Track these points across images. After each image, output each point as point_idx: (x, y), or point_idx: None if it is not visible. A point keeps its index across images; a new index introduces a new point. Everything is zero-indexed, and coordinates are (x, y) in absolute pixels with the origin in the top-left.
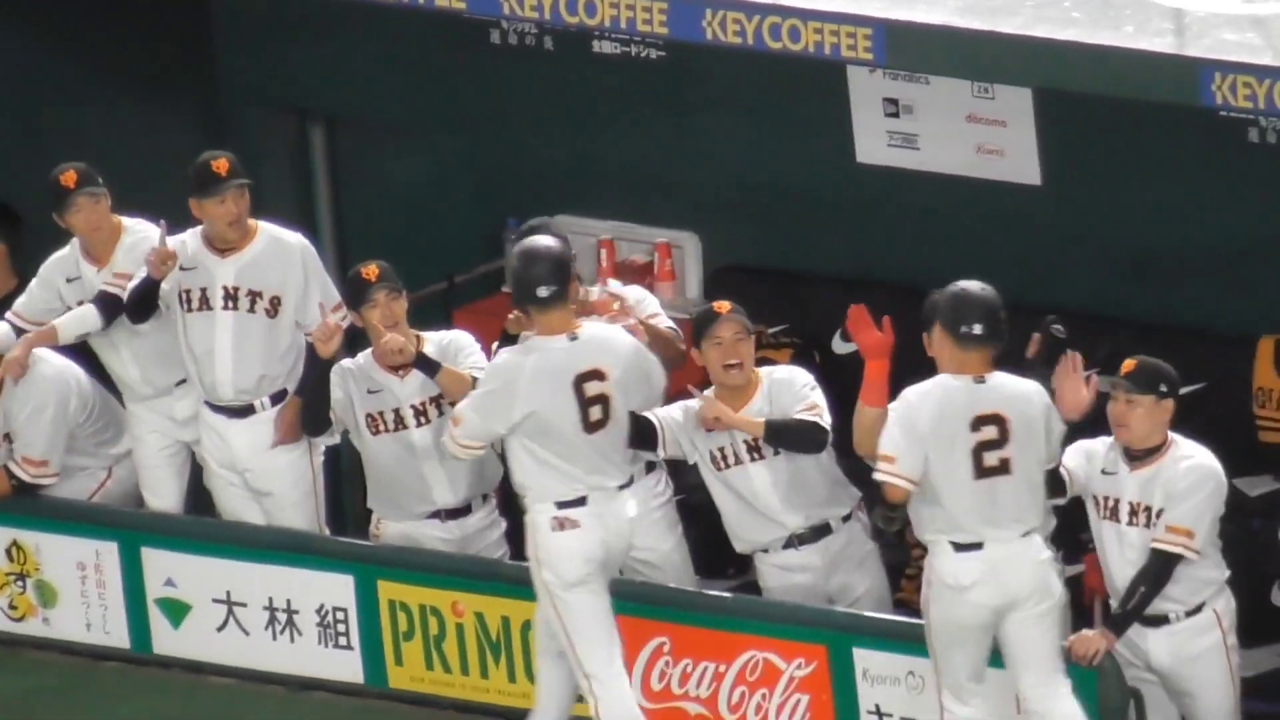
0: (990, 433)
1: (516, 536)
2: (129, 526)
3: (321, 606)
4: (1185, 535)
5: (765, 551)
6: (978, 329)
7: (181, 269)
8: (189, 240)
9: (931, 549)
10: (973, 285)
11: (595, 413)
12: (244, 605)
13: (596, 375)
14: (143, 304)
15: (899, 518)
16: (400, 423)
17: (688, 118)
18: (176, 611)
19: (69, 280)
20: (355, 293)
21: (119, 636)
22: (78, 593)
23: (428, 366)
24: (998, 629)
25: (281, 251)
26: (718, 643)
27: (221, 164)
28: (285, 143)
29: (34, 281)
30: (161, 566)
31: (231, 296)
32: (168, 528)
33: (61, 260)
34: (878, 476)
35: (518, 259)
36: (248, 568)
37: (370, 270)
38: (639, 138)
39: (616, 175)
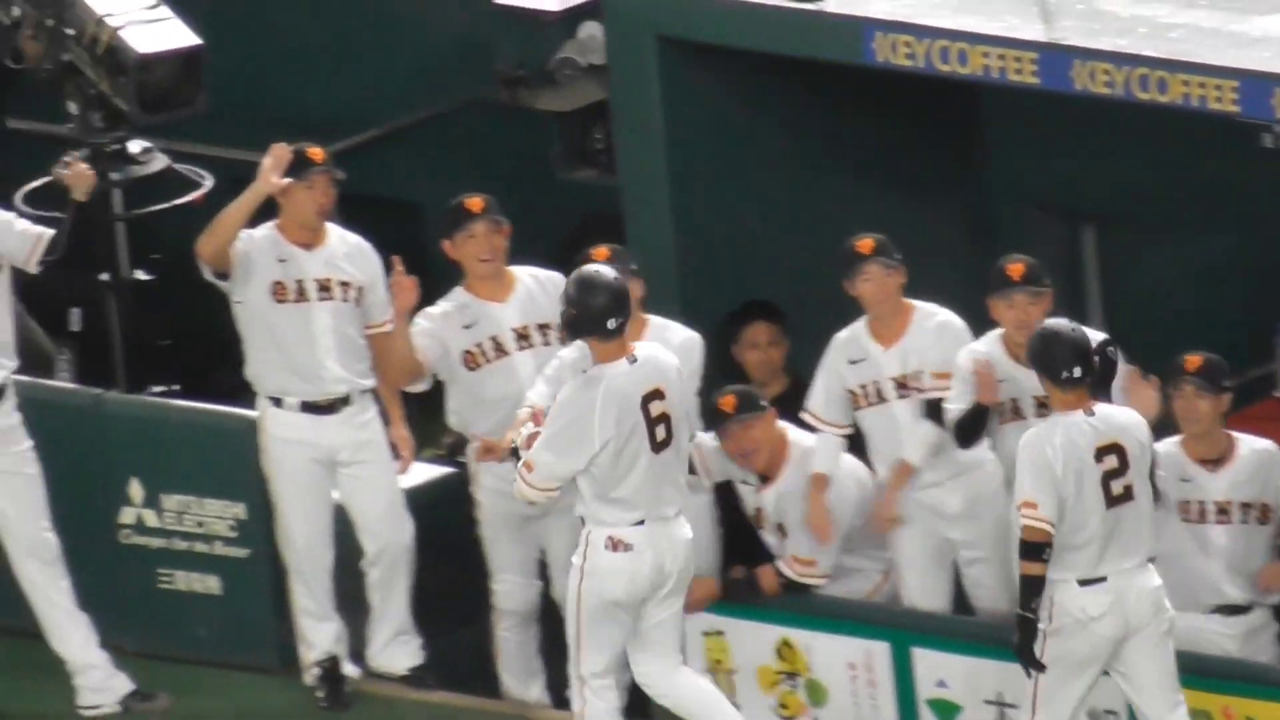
0: (1112, 462)
1: None
2: (900, 626)
3: (1093, 709)
4: None
5: None
6: (1077, 371)
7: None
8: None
9: (1053, 586)
10: (1061, 326)
11: (660, 432)
12: (1015, 706)
13: (658, 395)
14: (975, 425)
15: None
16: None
17: None
18: (947, 712)
19: (852, 363)
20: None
21: None
22: (848, 692)
23: None
24: (1114, 659)
25: None
26: None
27: (1017, 269)
28: (1055, 243)
29: (820, 376)
30: (933, 667)
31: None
32: (938, 627)
33: (846, 343)
34: (1025, 522)
35: (575, 288)
36: (1018, 669)
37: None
38: None
39: None
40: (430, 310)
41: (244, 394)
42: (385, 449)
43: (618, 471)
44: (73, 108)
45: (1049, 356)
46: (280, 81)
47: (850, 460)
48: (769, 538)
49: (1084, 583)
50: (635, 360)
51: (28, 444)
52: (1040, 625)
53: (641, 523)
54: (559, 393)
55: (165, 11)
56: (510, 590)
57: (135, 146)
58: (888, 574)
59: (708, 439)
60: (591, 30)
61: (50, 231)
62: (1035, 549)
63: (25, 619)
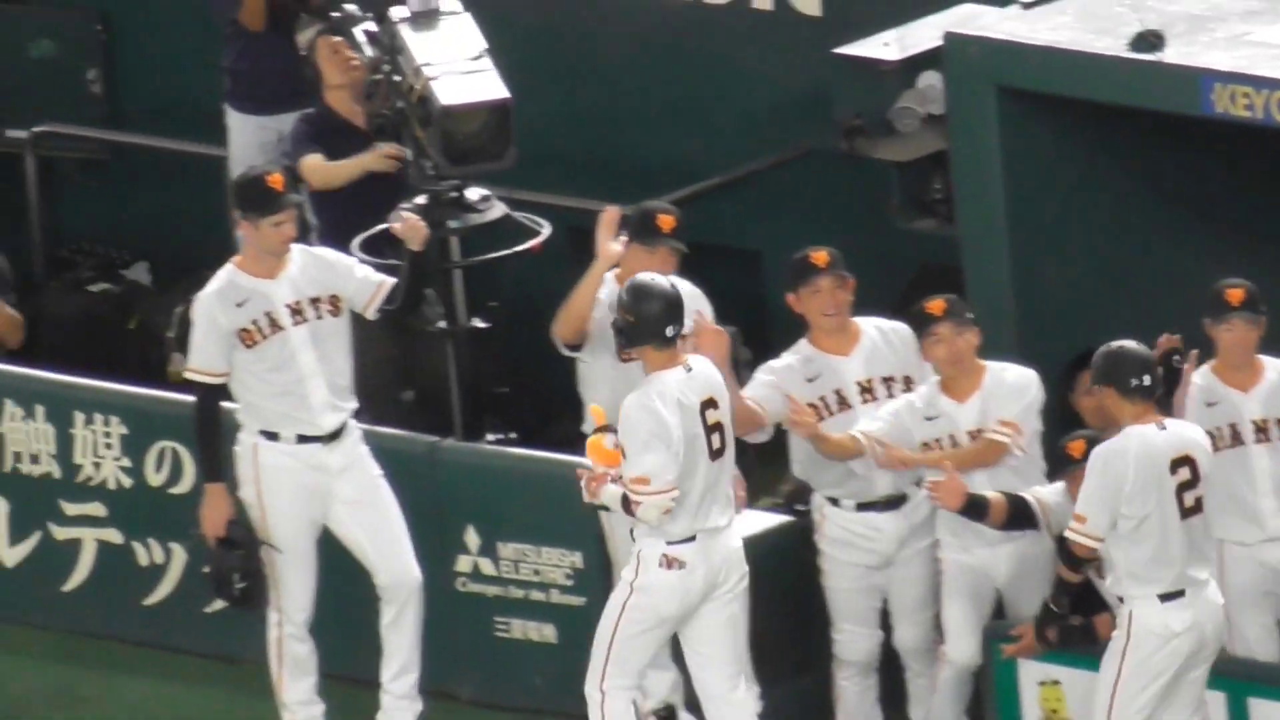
0: (1185, 474)
1: None
2: (1236, 676)
3: None
4: None
5: None
6: (1146, 380)
7: None
8: None
9: (1133, 602)
10: (1127, 343)
11: (716, 440)
12: None
13: (713, 404)
14: None
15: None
16: None
17: None
18: None
19: (1209, 405)
20: None
21: None
22: None
23: None
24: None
25: None
26: None
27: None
28: None
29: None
30: (1269, 717)
31: None
32: (1276, 677)
33: (1202, 390)
34: (1071, 536)
35: (629, 295)
36: None
37: None
38: None
39: None
40: (773, 363)
41: (579, 443)
42: None
43: (682, 477)
44: (407, 154)
45: (1117, 369)
46: (622, 129)
47: None
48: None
49: (1165, 597)
50: (690, 369)
51: (377, 471)
52: (1118, 640)
53: (693, 538)
54: (623, 409)
55: (485, 64)
56: (851, 640)
57: (473, 194)
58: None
59: (1046, 491)
60: (931, 80)
61: (391, 280)
62: (1076, 561)
63: (358, 667)
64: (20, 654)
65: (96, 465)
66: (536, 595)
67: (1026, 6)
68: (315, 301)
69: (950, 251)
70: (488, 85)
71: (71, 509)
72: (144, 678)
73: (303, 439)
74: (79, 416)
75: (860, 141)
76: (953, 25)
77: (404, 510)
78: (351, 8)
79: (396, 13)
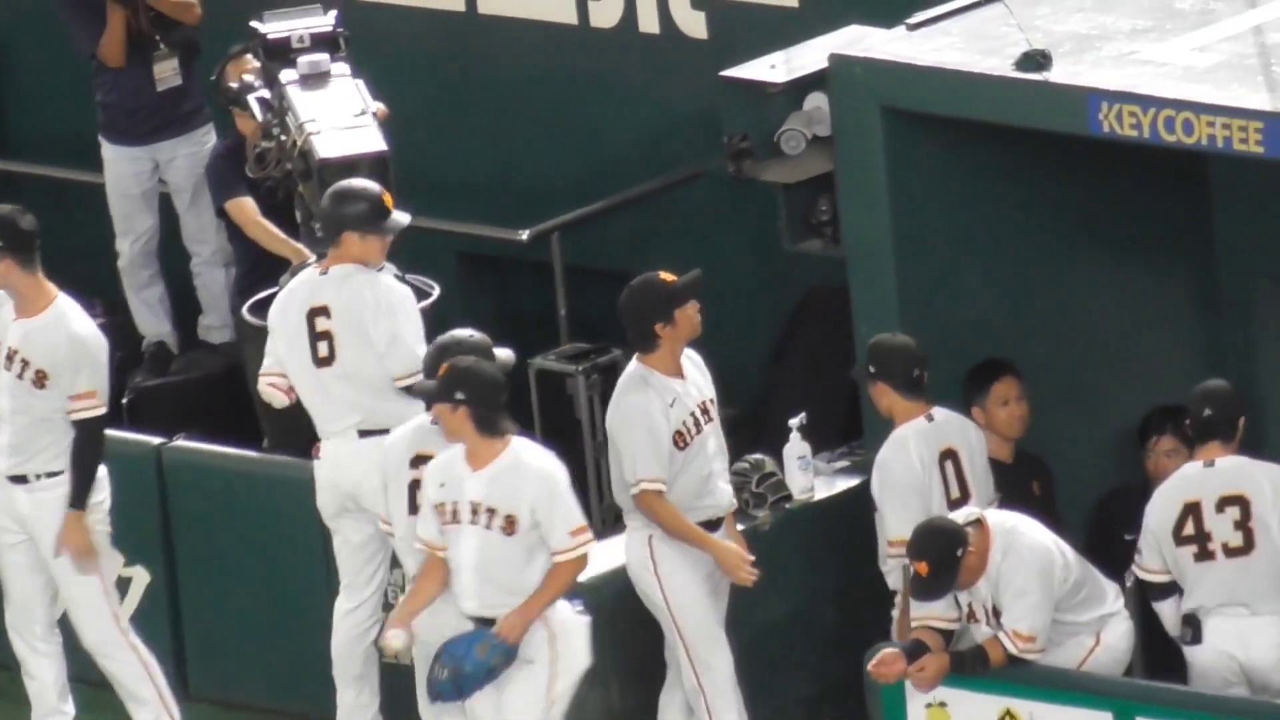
0: None
1: None
2: (1123, 695)
3: None
4: None
5: None
6: None
7: None
8: None
9: None
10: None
11: (322, 349)
12: None
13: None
14: None
15: None
16: None
17: None
18: None
19: None
20: None
21: None
22: None
23: None
24: None
25: None
26: None
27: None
28: None
29: None
30: None
31: None
32: (1162, 696)
33: None
34: None
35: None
36: None
37: None
38: None
39: None
40: (637, 406)
41: None
42: None
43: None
44: (298, 217)
45: None
46: (510, 153)
47: (1039, 525)
48: (984, 628)
49: None
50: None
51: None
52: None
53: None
54: None
55: (366, 120)
56: None
57: None
58: (1100, 638)
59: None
60: (817, 101)
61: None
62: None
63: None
64: None
65: None
66: None
67: (912, 28)
68: (26, 364)
69: (837, 273)
70: (366, 139)
71: None
72: None
73: None
74: None
75: (747, 164)
76: (838, 47)
77: None
78: (248, 79)
79: (286, 75)
